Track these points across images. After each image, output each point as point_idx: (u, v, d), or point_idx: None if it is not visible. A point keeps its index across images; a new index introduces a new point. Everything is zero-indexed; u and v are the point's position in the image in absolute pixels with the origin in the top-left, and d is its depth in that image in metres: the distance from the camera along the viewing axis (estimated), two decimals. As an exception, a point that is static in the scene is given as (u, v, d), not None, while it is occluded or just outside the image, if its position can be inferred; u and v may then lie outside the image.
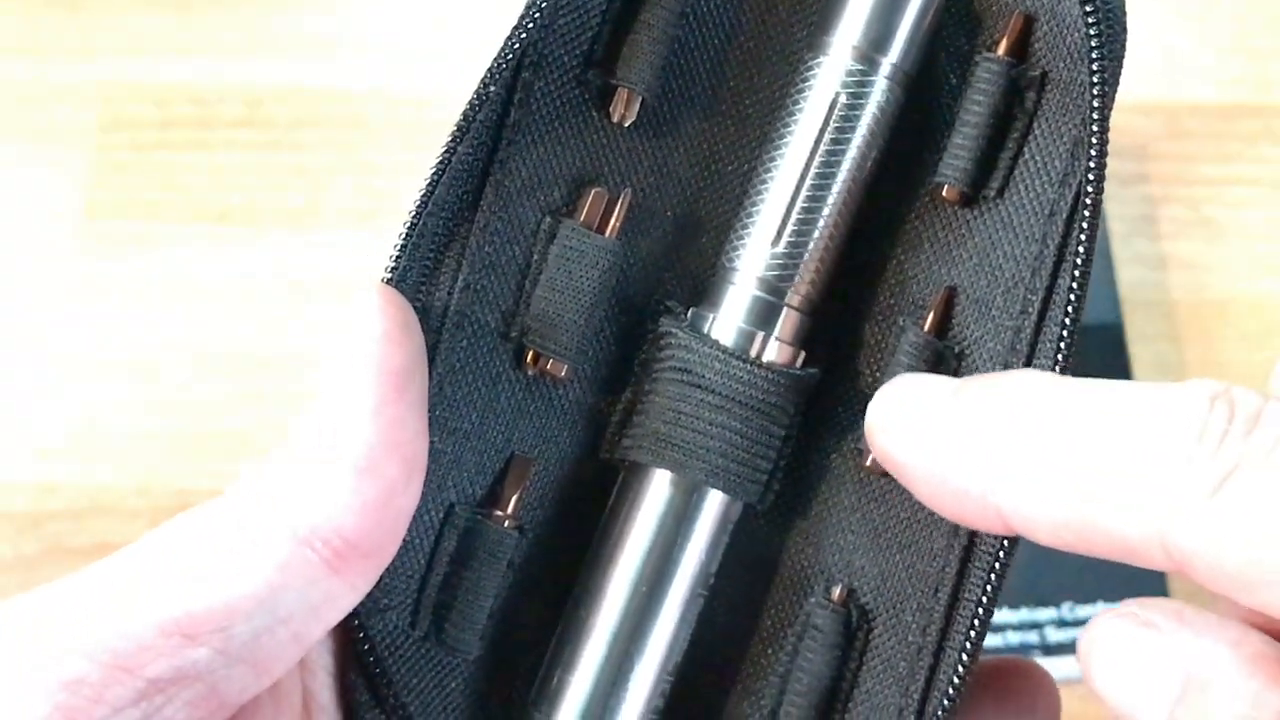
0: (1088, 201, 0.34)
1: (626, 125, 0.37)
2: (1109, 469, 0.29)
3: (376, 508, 0.31)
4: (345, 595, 0.32)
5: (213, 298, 0.72)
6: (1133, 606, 0.32)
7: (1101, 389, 0.30)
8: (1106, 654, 0.31)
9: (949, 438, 0.32)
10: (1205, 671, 0.30)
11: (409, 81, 0.76)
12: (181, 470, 0.70)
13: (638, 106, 0.37)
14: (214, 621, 0.30)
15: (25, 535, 0.69)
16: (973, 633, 0.34)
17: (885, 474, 0.36)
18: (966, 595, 0.35)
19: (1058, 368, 0.34)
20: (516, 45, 0.35)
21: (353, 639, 0.35)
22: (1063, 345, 0.34)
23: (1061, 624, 0.66)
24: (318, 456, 0.31)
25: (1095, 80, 0.34)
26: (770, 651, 0.38)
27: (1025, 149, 0.36)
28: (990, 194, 0.36)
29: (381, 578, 0.33)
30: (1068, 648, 0.65)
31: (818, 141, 0.36)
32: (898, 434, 0.33)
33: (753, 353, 0.36)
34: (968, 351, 0.36)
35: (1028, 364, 0.35)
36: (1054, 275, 0.35)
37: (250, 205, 0.74)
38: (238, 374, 0.71)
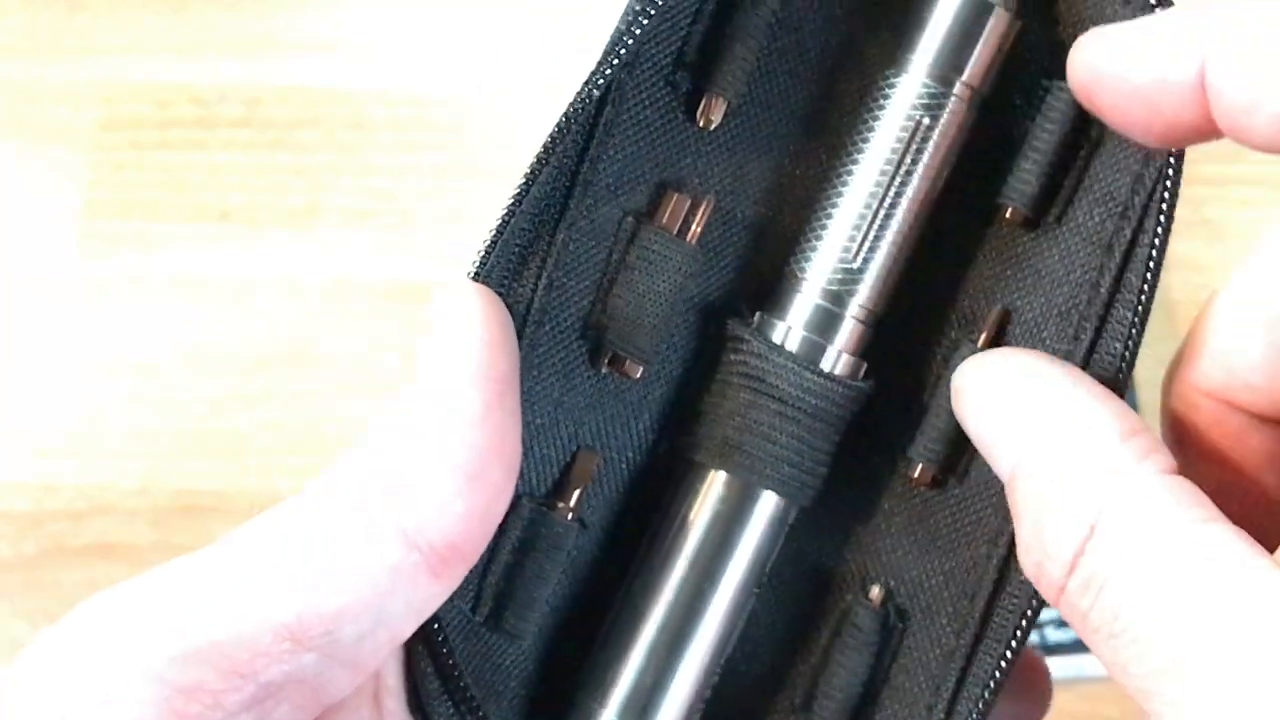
0: (1158, 234, 0.34)
1: (710, 129, 0.37)
2: None
3: (481, 514, 0.31)
4: (440, 597, 0.32)
5: (213, 298, 0.72)
6: (1019, 353, 0.33)
7: None
8: (975, 387, 0.33)
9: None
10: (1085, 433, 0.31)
11: (409, 81, 0.76)
12: (181, 470, 0.70)
13: (723, 111, 0.37)
14: (324, 625, 0.30)
15: (25, 535, 0.69)
16: (1018, 632, 0.35)
17: (930, 485, 0.37)
18: (1004, 604, 0.35)
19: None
20: (623, 50, 0.35)
21: (425, 625, 0.35)
22: (1119, 376, 0.34)
23: (1061, 624, 0.66)
24: (426, 460, 0.31)
25: None
26: (806, 646, 0.39)
27: (1086, 178, 0.36)
28: (1050, 220, 0.36)
29: None
30: (1068, 647, 0.65)
31: (896, 162, 0.36)
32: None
33: (823, 364, 0.36)
34: None
35: None
36: (1108, 306, 0.35)
37: (250, 205, 0.74)
38: (238, 374, 0.71)
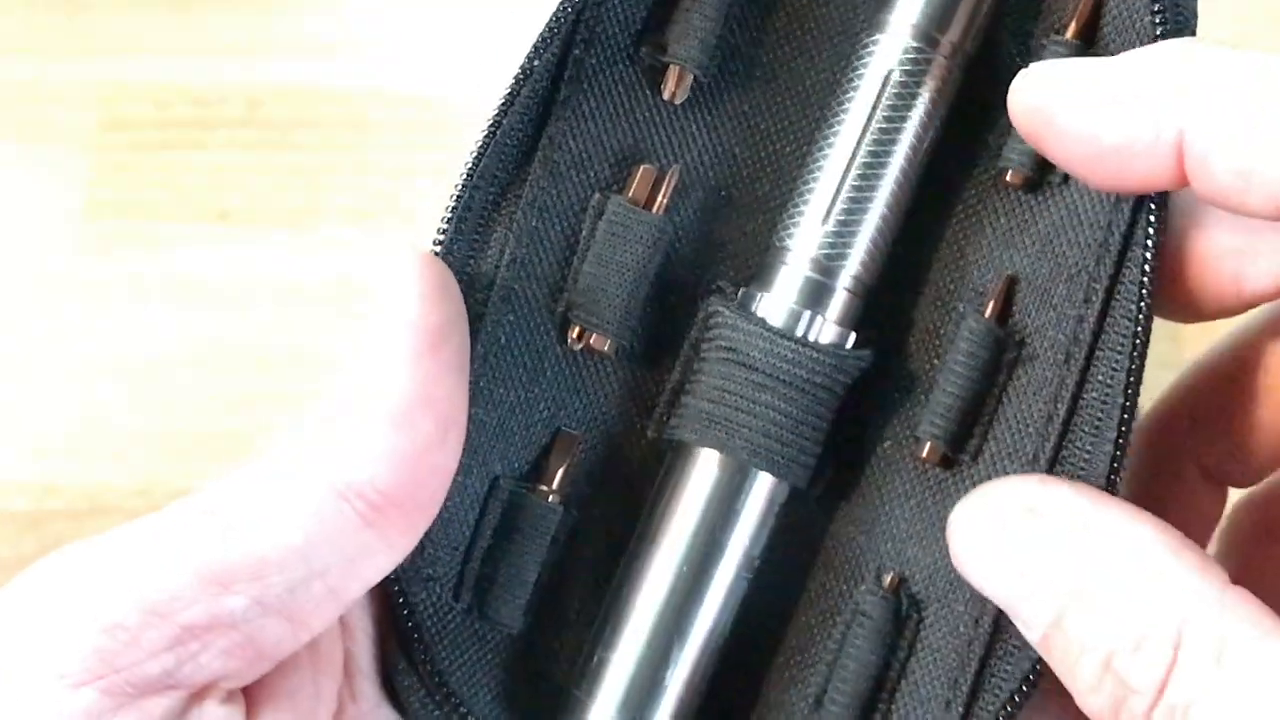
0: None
1: (678, 103, 0.36)
2: None
3: (410, 460, 0.32)
4: (383, 553, 0.32)
5: (213, 298, 0.72)
6: (1019, 484, 0.32)
7: None
8: (979, 544, 0.32)
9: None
10: (1102, 566, 0.29)
11: (409, 81, 0.76)
12: (181, 470, 0.70)
13: (689, 84, 0.36)
14: (248, 571, 0.31)
15: (25, 535, 0.69)
16: None
17: (941, 464, 0.36)
18: None
19: (1129, 362, 0.33)
20: (562, 19, 0.35)
21: (393, 607, 0.35)
22: (1136, 341, 0.33)
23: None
24: (352, 410, 0.32)
25: None
26: (818, 637, 0.37)
27: None
28: (1055, 180, 0.35)
29: (425, 547, 0.34)
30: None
31: (869, 119, 0.35)
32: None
33: (799, 332, 0.36)
34: (1029, 340, 0.35)
35: (1090, 355, 0.34)
36: (1119, 264, 0.34)
37: (250, 205, 0.74)
38: (238, 374, 0.71)
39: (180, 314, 0.72)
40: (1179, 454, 0.40)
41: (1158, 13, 0.33)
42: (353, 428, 0.32)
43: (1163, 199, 0.33)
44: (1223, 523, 0.42)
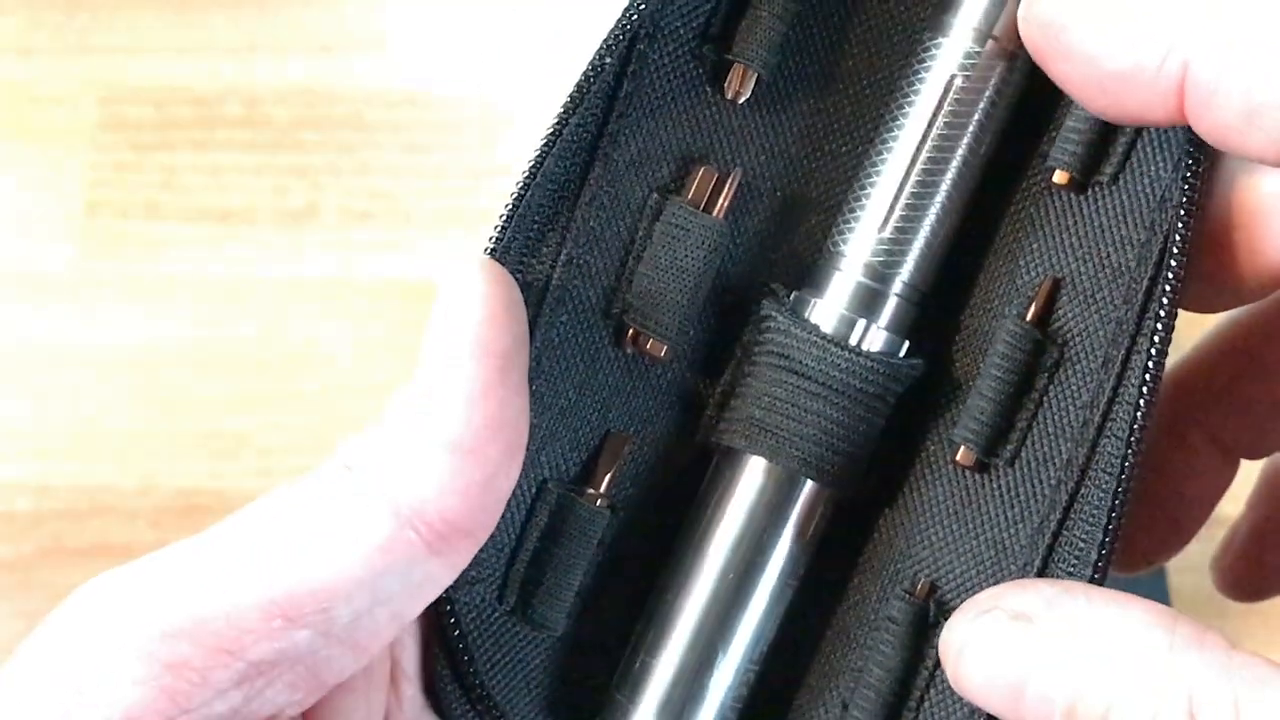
0: (1194, 186, 0.33)
1: (740, 102, 0.36)
2: None
3: (479, 490, 0.31)
4: (444, 575, 0.32)
5: (213, 298, 0.72)
6: (1004, 593, 0.31)
7: None
8: (974, 659, 0.31)
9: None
10: (1102, 676, 0.29)
11: (409, 81, 0.76)
12: (181, 470, 0.70)
13: (753, 83, 0.35)
14: (316, 603, 0.30)
15: (25, 535, 0.69)
16: None
17: (975, 468, 0.35)
18: None
19: (1151, 362, 0.33)
20: (635, 15, 0.34)
21: (438, 611, 0.34)
22: (1157, 339, 0.33)
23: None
24: (421, 437, 0.31)
25: None
26: (852, 643, 0.37)
27: (1144, 130, 0.34)
28: (1104, 179, 0.34)
29: None
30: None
31: (930, 125, 0.35)
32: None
33: (853, 340, 0.35)
34: (1070, 343, 0.35)
35: (1127, 359, 0.33)
36: (1159, 265, 0.33)
37: (250, 205, 0.74)
38: (238, 374, 0.71)
39: (180, 314, 0.72)
40: (1187, 423, 0.40)
41: None
42: (421, 456, 0.31)
43: (1194, 199, 0.33)
44: (1255, 484, 0.42)
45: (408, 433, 0.31)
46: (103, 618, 0.30)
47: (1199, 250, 0.33)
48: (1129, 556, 0.38)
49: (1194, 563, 0.67)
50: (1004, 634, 0.31)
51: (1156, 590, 0.64)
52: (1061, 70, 0.31)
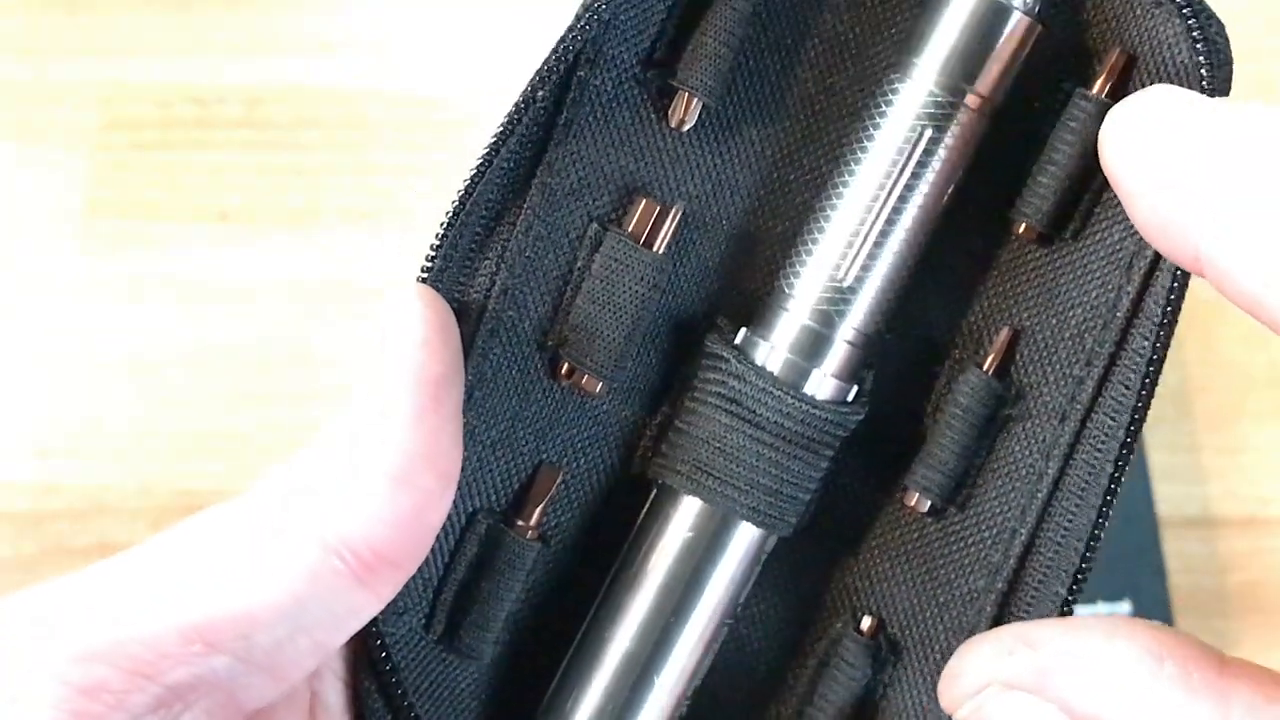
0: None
1: (685, 130, 0.34)
2: None
3: (409, 520, 0.30)
4: (369, 605, 0.31)
5: (213, 298, 0.72)
6: (1004, 633, 0.30)
7: None
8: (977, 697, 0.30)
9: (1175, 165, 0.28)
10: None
11: (409, 81, 0.76)
12: (181, 470, 0.70)
13: (698, 111, 0.34)
14: (236, 629, 0.29)
15: (25, 535, 0.69)
16: None
17: (928, 513, 0.35)
18: None
19: (1124, 434, 0.32)
20: (575, 40, 0.33)
21: (367, 641, 0.34)
22: (1134, 413, 0.32)
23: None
24: (351, 464, 0.30)
25: None
26: (793, 675, 0.37)
27: (1107, 192, 0.33)
28: (1066, 236, 0.34)
29: None
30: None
31: (895, 176, 0.33)
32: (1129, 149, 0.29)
33: (806, 388, 0.34)
34: (1026, 394, 0.34)
35: (1085, 419, 0.33)
36: (1124, 331, 0.32)
37: (250, 205, 0.74)
38: (238, 374, 0.71)
39: (180, 314, 0.72)
40: None
41: (1204, 69, 0.31)
42: (351, 484, 0.30)
43: (1185, 274, 0.32)
44: None
45: (338, 459, 0.30)
46: (16, 640, 0.29)
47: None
48: None
49: (1194, 563, 0.67)
50: (994, 667, 0.31)
51: (1157, 590, 0.64)
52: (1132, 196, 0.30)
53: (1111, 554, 0.64)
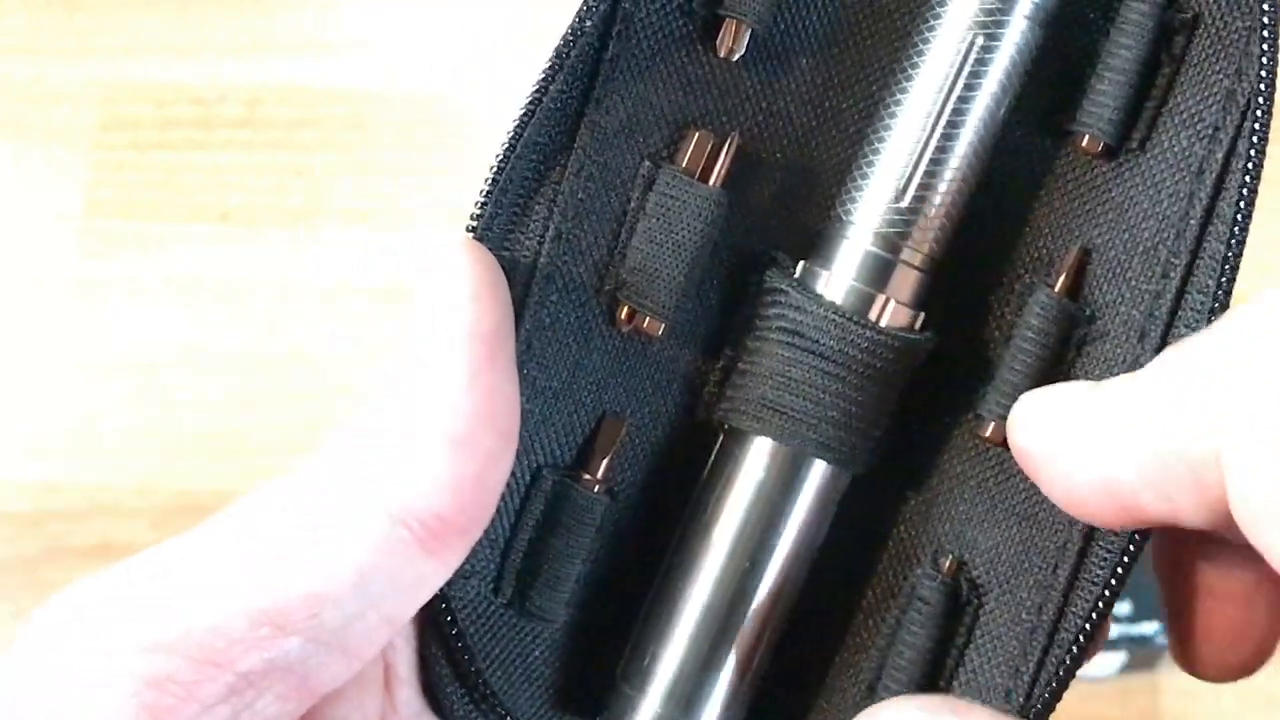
0: (1252, 157, 0.31)
1: (734, 60, 0.33)
2: None
3: (472, 484, 0.29)
4: (437, 574, 0.30)
5: (213, 298, 0.72)
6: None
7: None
8: None
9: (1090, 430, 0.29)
10: None
11: (409, 81, 0.76)
12: (181, 470, 0.70)
13: (746, 38, 0.33)
14: (305, 609, 0.28)
15: (25, 535, 0.69)
16: (1094, 615, 0.31)
17: (1004, 444, 0.33)
18: (1087, 575, 0.32)
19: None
20: None
21: (433, 608, 0.33)
22: (1210, 316, 0.31)
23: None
24: (410, 430, 0.29)
25: (1267, 22, 0.31)
26: (871, 624, 0.35)
27: (1170, 99, 0.32)
28: (1133, 146, 0.33)
29: None
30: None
31: (949, 88, 0.32)
32: (1037, 429, 0.30)
33: (871, 315, 0.33)
34: (1099, 315, 0.33)
35: (1166, 334, 0.32)
36: (1199, 239, 0.31)
37: (250, 205, 0.74)
38: (238, 374, 0.71)
39: (180, 314, 0.72)
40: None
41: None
42: (412, 451, 0.29)
43: (1256, 175, 0.31)
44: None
45: (395, 426, 0.29)
46: (82, 633, 0.29)
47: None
48: (1217, 669, 0.37)
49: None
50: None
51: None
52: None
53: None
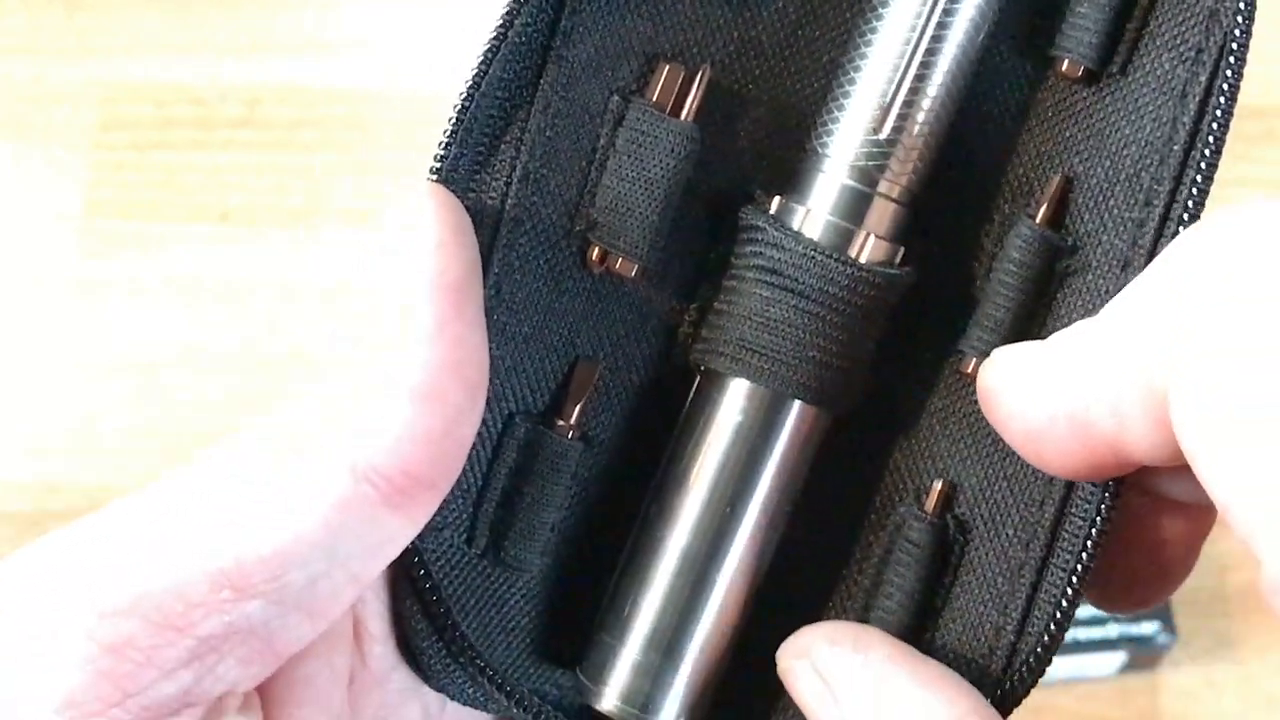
0: (1227, 79, 0.30)
1: None
2: None
3: (440, 437, 0.28)
4: (404, 531, 0.29)
5: (213, 298, 0.72)
6: (821, 641, 0.31)
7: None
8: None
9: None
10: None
11: (409, 81, 0.76)
12: (181, 470, 0.70)
13: None
14: (267, 570, 0.27)
15: (25, 535, 0.69)
16: (1089, 544, 0.30)
17: None
18: (1074, 510, 0.31)
19: None
20: None
21: (405, 561, 0.32)
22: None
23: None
24: (374, 383, 0.28)
25: None
26: (856, 564, 0.35)
27: (1152, 20, 0.31)
28: (1114, 70, 0.32)
29: None
30: (1067, 647, 0.65)
31: (926, 14, 0.32)
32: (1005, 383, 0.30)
33: (850, 252, 0.32)
34: (1082, 246, 0.32)
35: (1149, 263, 0.30)
36: (1183, 165, 0.31)
37: (250, 205, 0.74)
38: (237, 374, 0.71)
39: (180, 314, 0.72)
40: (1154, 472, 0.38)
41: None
42: (376, 406, 0.28)
43: (1232, 98, 0.31)
44: None
45: (359, 379, 0.28)
46: (35, 600, 0.28)
47: None
48: (1122, 601, 0.37)
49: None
50: (802, 691, 0.30)
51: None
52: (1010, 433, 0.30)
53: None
